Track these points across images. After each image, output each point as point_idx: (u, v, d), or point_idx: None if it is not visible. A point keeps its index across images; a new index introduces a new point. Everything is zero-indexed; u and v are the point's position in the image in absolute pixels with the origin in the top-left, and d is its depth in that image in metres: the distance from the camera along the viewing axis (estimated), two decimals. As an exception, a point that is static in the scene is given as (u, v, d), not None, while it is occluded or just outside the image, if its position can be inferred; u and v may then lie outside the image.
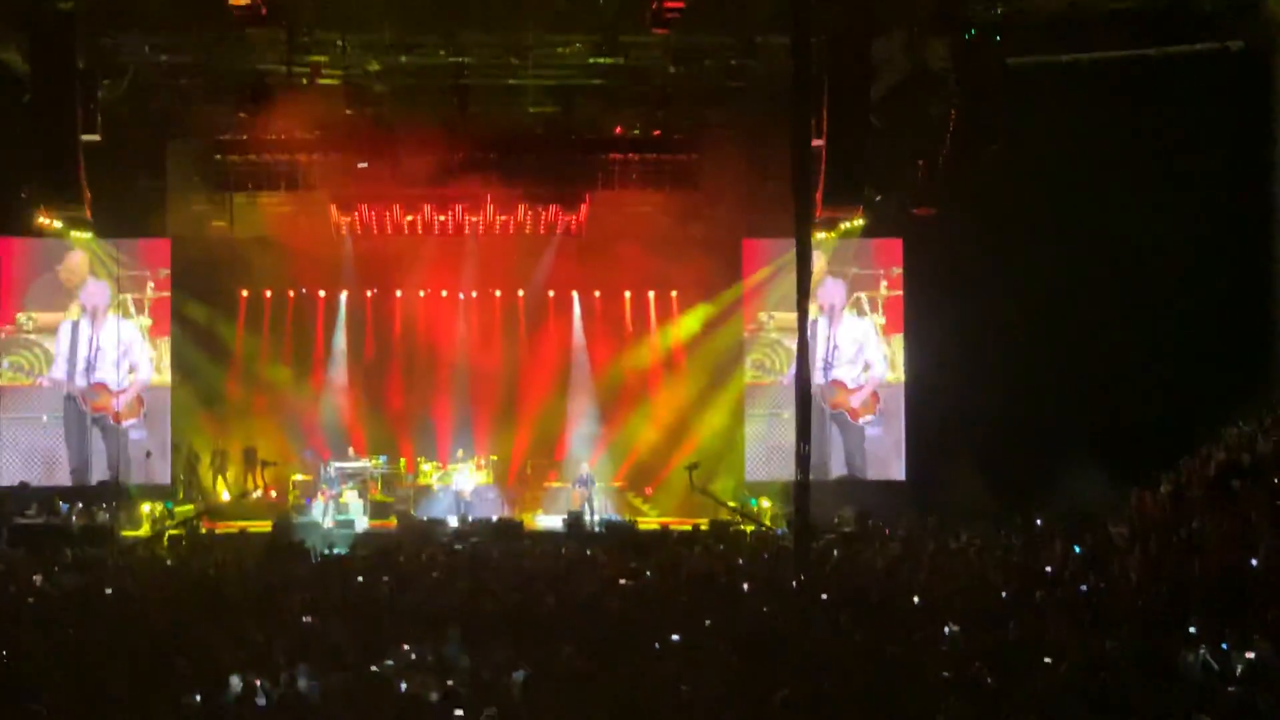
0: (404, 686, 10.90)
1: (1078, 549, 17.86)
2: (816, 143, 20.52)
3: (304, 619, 13.37)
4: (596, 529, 23.56)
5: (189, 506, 25.30)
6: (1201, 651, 11.48)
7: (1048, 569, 16.55)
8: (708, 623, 13.06)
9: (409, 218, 26.40)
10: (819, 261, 24.78)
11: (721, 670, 11.22)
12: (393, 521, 24.29)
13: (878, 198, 23.61)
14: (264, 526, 22.92)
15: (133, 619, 13.41)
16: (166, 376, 25.95)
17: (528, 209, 26.40)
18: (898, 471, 26.37)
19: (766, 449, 26.26)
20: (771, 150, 23.09)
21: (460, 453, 25.96)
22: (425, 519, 24.04)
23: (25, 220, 23.58)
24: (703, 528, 22.92)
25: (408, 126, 24.24)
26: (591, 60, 23.43)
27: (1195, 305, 23.69)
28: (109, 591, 15.12)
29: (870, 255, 26.57)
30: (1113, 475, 21.78)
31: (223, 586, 15.56)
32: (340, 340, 27.30)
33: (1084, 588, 15.07)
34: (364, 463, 25.83)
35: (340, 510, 24.64)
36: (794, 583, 15.67)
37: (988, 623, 13.02)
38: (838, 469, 26.46)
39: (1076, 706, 10.16)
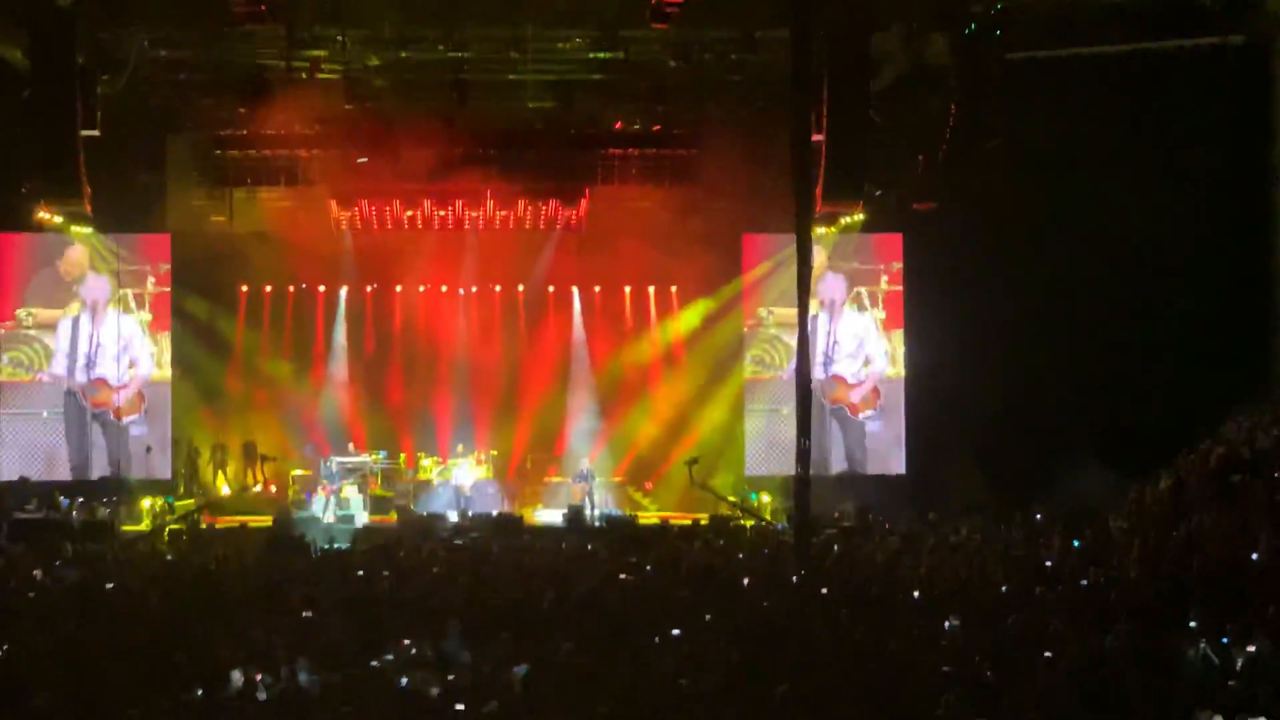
0: (404, 681, 10.92)
1: (1077, 543, 17.87)
2: (816, 138, 20.47)
3: (304, 614, 13.37)
4: (596, 524, 23.56)
5: (189, 501, 25.28)
6: (1202, 646, 11.48)
7: (1047, 564, 16.56)
8: (708, 617, 13.07)
9: (409, 213, 26.39)
10: (819, 256, 24.77)
11: (721, 665, 11.22)
12: (393, 516, 24.30)
13: (878, 193, 23.57)
14: (264, 521, 22.92)
15: (133, 614, 13.41)
16: (167, 372, 25.93)
17: (527, 204, 26.39)
18: (898, 466, 26.36)
19: (766, 444, 26.26)
20: (771, 145, 23.04)
21: (460, 448, 25.97)
22: (425, 514, 24.03)
23: (25, 215, 23.58)
24: (703, 523, 22.93)
25: (407, 121, 24.20)
26: (591, 55, 23.39)
27: (1195, 300, 23.71)
28: (109, 586, 15.13)
29: (870, 250, 26.56)
30: (1113, 469, 21.80)
31: (223, 581, 15.56)
32: (340, 335, 27.30)
33: (1084, 582, 15.07)
34: (364, 458, 25.83)
35: (340, 505, 24.65)
36: (794, 578, 15.68)
37: (987, 617, 13.02)
38: (838, 464, 26.44)
39: (1076, 701, 10.17)
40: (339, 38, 22.73)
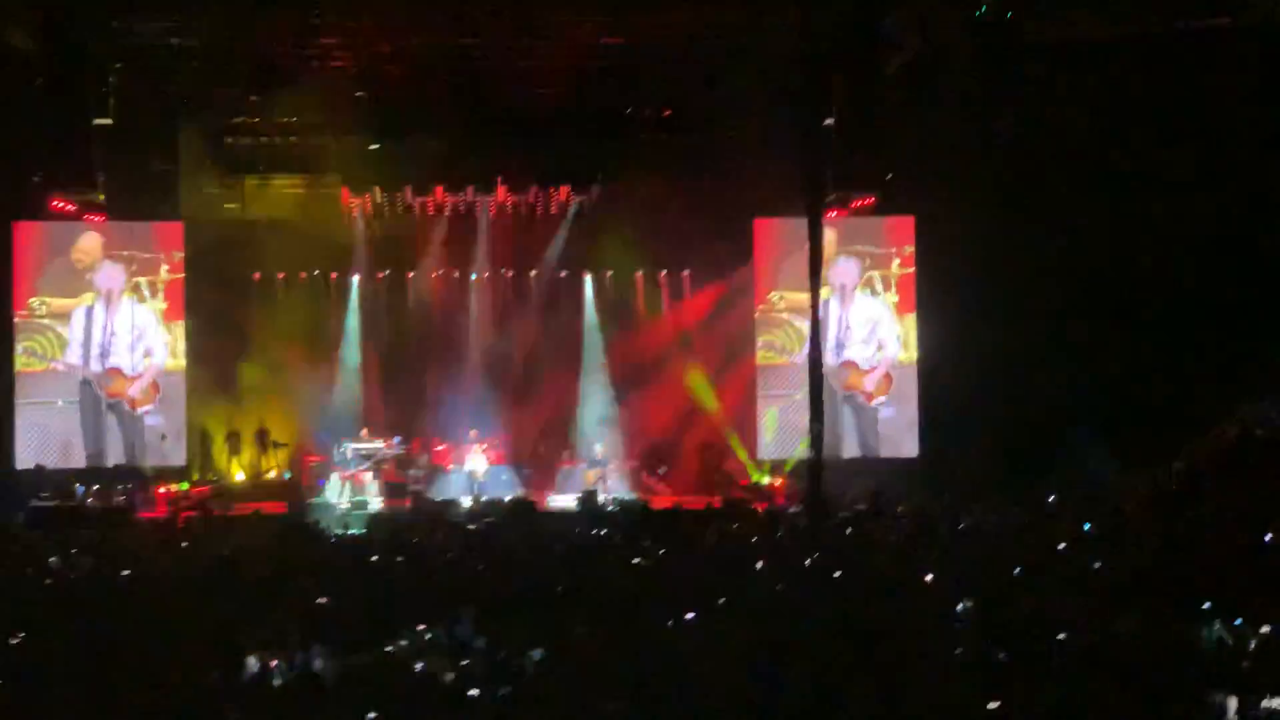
0: (419, 666, 10.96)
1: (1089, 526, 17.85)
2: (828, 121, 20.51)
3: (319, 600, 13.43)
4: (610, 509, 23.59)
5: (204, 489, 25.40)
6: (1215, 626, 11.47)
7: (1060, 546, 16.54)
8: (721, 601, 13.09)
9: (421, 199, 26.44)
10: (830, 240, 24.75)
11: (735, 648, 11.24)
12: (406, 502, 24.39)
13: (889, 176, 23.54)
14: (278, 508, 23.01)
15: (149, 600, 13.48)
16: (181, 361, 25.97)
17: (539, 190, 26.42)
18: (910, 449, 26.32)
19: (779, 428, 26.26)
20: (783, 129, 23.04)
21: (473, 433, 26.02)
22: (439, 500, 24.11)
23: (38, 204, 23.65)
24: (716, 507, 22.97)
25: (419, 108, 24.24)
26: (603, 40, 23.39)
27: (1213, 283, 23.59)
28: (125, 573, 15.20)
29: (882, 233, 26.46)
30: (1126, 451, 21.75)
31: (238, 568, 15.62)
32: (353, 322, 27.36)
33: (1097, 565, 15.06)
34: (377, 444, 25.89)
35: (354, 491, 24.75)
36: (807, 561, 15.71)
37: (1000, 599, 13.02)
38: (850, 449, 26.42)
39: (1089, 682, 10.17)
40: (351, 25, 22.75)
